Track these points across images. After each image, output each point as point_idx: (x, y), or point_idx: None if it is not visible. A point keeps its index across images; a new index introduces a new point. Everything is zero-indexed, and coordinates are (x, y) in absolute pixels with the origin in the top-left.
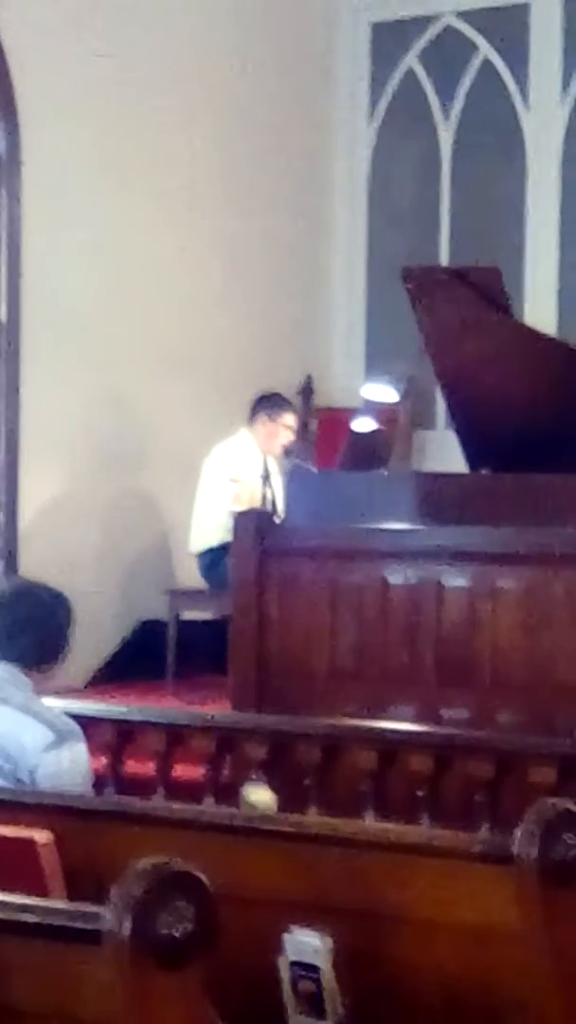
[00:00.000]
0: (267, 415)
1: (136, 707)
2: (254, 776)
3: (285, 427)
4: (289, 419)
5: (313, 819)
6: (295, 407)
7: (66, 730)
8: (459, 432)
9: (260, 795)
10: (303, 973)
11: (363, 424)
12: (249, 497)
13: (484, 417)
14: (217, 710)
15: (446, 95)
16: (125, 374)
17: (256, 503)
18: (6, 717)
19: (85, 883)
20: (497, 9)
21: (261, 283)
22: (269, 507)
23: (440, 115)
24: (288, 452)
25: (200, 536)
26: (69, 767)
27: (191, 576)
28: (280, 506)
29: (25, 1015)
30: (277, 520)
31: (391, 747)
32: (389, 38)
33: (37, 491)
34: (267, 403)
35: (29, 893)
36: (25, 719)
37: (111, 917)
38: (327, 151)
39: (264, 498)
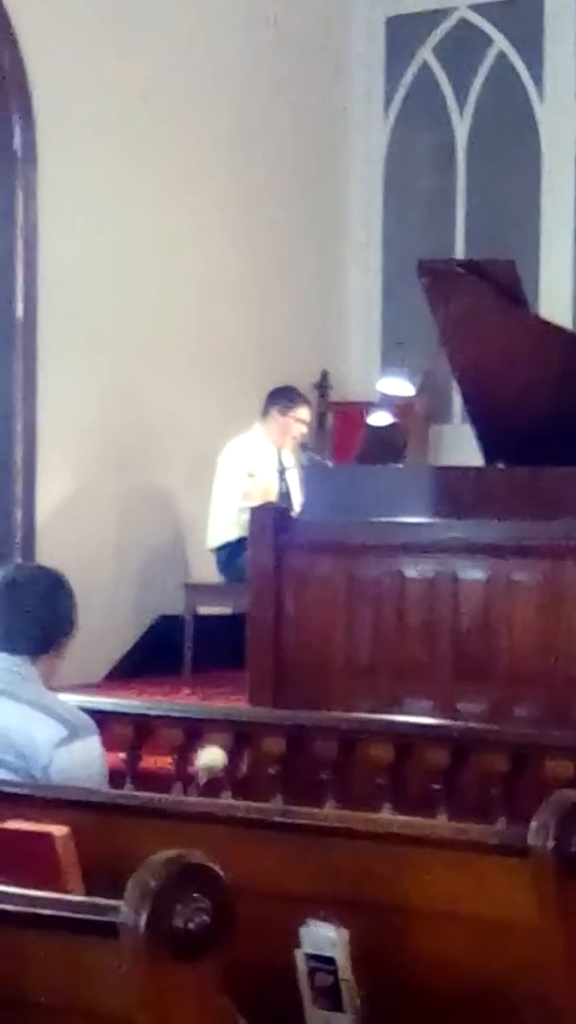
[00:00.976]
0: (280, 409)
1: (153, 702)
2: (204, 743)
3: (298, 420)
4: (302, 412)
5: (330, 812)
6: (308, 400)
7: (78, 724)
8: (475, 426)
9: (211, 755)
10: (319, 965)
11: (379, 418)
12: (262, 493)
13: (500, 411)
14: (234, 704)
15: (461, 88)
16: (141, 370)
17: (270, 498)
18: (16, 713)
19: (102, 877)
20: (512, 2)
21: (277, 278)
22: (283, 501)
23: (455, 108)
24: (304, 446)
25: (217, 531)
26: (82, 762)
27: (208, 571)
28: (295, 500)
29: (42, 1008)
30: (292, 514)
31: (407, 741)
32: (403, 32)
33: (54, 486)
34: (280, 397)
35: (46, 887)
36: (36, 714)
37: (128, 910)
38: (342, 145)
39: (281, 492)
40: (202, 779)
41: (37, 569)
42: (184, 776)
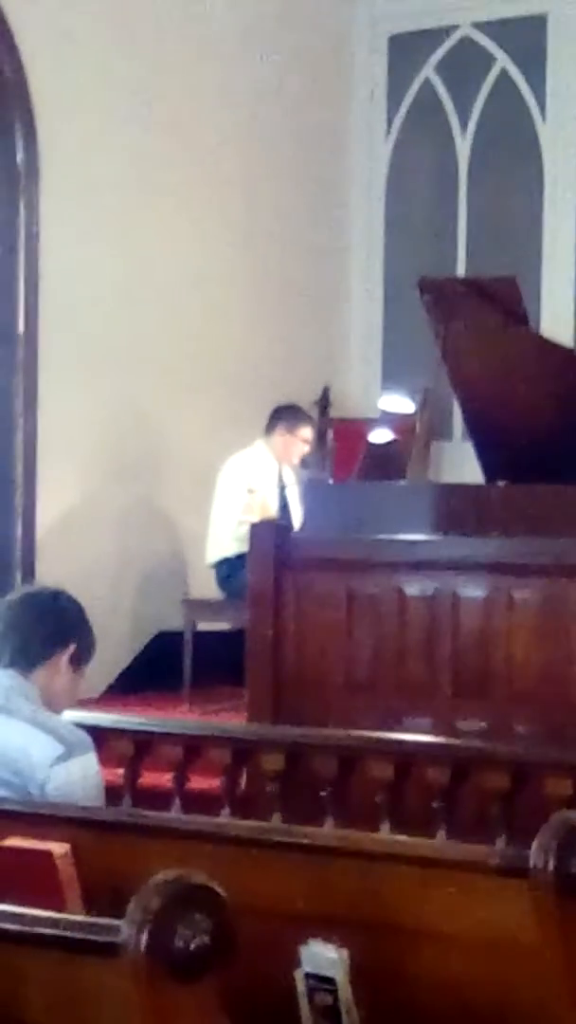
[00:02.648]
0: (285, 427)
1: (152, 718)
2: None
3: (303, 440)
4: (306, 432)
5: (329, 831)
6: (313, 420)
7: (75, 741)
8: (475, 443)
9: None
10: (319, 985)
11: (380, 435)
12: (260, 508)
13: (500, 428)
14: (233, 721)
15: (463, 106)
16: (142, 385)
17: (268, 514)
18: (13, 730)
19: (102, 895)
20: (514, 20)
21: (279, 294)
22: (283, 518)
23: (457, 126)
24: (305, 463)
25: (216, 546)
26: (79, 780)
27: (207, 587)
28: (295, 516)
29: None
30: (292, 530)
31: (407, 759)
32: (406, 49)
33: (54, 501)
34: (286, 415)
35: (46, 905)
36: (33, 731)
37: (128, 930)
38: (344, 162)
39: (280, 508)
40: None
41: (40, 588)
42: (184, 793)
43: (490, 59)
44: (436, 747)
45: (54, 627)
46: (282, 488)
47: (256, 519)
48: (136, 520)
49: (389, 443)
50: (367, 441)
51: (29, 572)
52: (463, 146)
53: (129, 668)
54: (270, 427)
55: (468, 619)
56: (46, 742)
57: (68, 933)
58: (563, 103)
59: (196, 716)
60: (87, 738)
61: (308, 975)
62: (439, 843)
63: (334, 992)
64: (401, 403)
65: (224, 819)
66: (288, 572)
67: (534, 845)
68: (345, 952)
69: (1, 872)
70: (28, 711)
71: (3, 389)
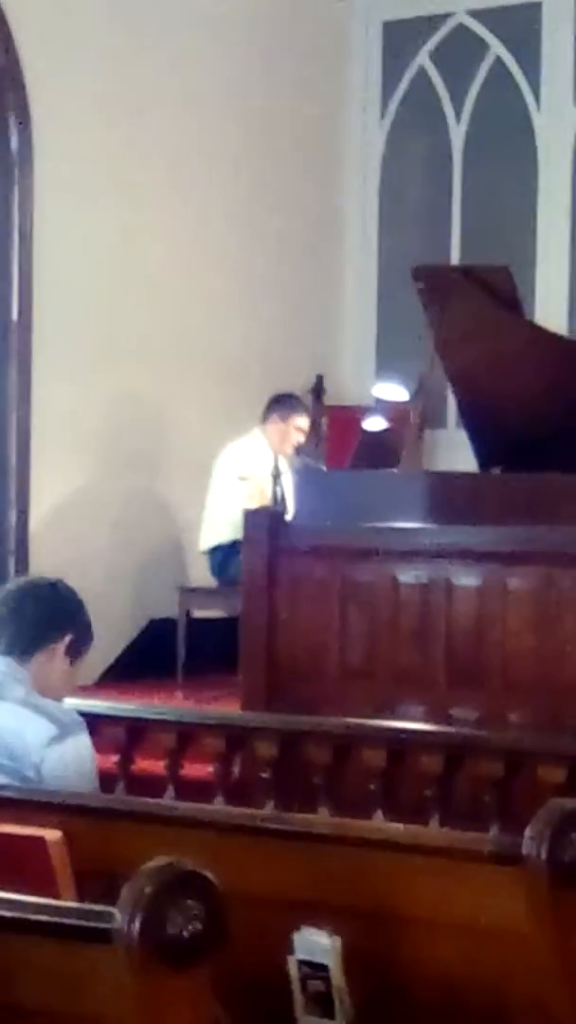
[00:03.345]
0: (280, 416)
1: (146, 705)
2: None
3: (297, 429)
4: (301, 421)
5: (323, 818)
6: (308, 409)
7: (68, 722)
8: (469, 431)
9: None
10: (312, 972)
11: (374, 423)
12: (259, 495)
13: (494, 416)
14: (227, 708)
15: (457, 94)
16: (136, 373)
17: (266, 502)
18: (7, 713)
19: (95, 882)
20: (509, 8)
21: (273, 282)
22: (279, 506)
23: (451, 114)
24: (298, 451)
25: (210, 533)
26: (74, 759)
27: (202, 574)
28: (290, 505)
29: (34, 1014)
30: (286, 518)
31: (401, 746)
32: (401, 36)
33: (48, 490)
34: (281, 404)
35: (39, 892)
36: (26, 713)
37: (121, 917)
38: (338, 150)
39: (275, 497)
40: None
41: (38, 577)
42: (177, 780)
43: (485, 47)
44: (430, 735)
45: (51, 616)
46: (276, 475)
47: (257, 505)
48: (130, 508)
49: (383, 431)
50: (361, 429)
51: (23, 561)
52: (457, 134)
53: (123, 655)
54: (266, 416)
55: (462, 607)
56: (40, 723)
57: (61, 920)
58: (557, 91)
59: (190, 703)
60: (80, 719)
61: (301, 962)
62: (432, 831)
63: (327, 979)
64: (395, 391)
65: (218, 806)
66: (282, 560)
67: (527, 833)
68: (338, 939)
69: None
70: (20, 694)
71: None
